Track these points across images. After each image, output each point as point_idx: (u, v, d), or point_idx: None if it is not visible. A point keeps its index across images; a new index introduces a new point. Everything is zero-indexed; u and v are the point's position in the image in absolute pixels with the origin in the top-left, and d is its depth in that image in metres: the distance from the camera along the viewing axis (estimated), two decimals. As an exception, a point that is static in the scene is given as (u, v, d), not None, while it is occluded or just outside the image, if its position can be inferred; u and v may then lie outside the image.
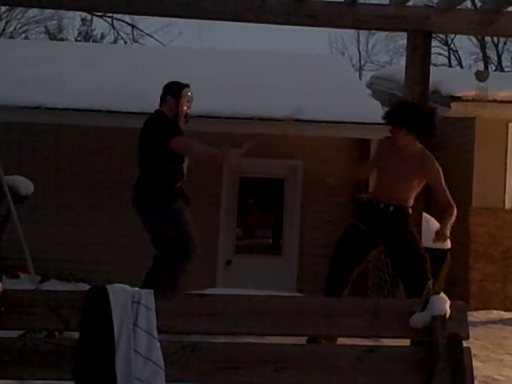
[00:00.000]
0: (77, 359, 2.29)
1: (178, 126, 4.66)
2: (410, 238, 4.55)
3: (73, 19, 23.52)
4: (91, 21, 23.26)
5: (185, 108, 4.70)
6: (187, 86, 4.77)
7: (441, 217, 4.58)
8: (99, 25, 24.15)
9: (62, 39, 22.30)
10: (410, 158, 4.54)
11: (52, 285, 6.96)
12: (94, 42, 22.31)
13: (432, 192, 4.73)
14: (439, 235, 4.39)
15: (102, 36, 23.40)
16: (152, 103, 7.42)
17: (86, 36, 23.61)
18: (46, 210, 7.62)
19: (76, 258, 7.58)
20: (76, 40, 22.87)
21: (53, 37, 22.60)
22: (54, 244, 7.54)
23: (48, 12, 21.15)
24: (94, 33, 23.91)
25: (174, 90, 4.71)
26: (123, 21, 21.18)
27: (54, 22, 23.18)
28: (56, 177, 7.71)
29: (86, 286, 6.53)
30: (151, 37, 21.42)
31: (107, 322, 2.30)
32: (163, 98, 4.76)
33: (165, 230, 4.53)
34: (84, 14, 21.83)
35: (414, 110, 4.60)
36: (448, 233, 4.42)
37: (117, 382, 2.26)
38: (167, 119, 4.64)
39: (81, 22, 23.73)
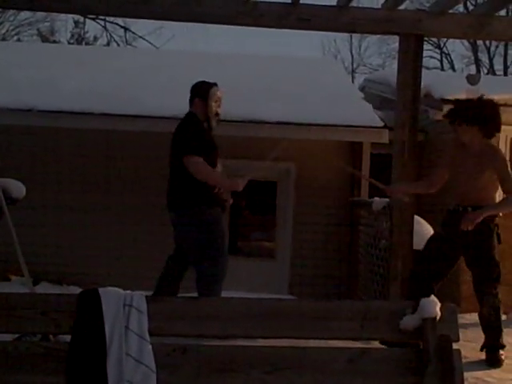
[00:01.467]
0: (68, 362, 2.29)
1: (208, 130, 4.64)
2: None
3: (65, 22, 23.45)
4: (84, 23, 23.25)
5: (214, 108, 4.64)
6: (215, 85, 4.71)
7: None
8: (92, 27, 24.11)
9: (54, 42, 22.26)
10: (478, 153, 4.51)
11: (43, 288, 6.94)
12: (86, 44, 22.26)
13: (500, 183, 4.65)
14: (469, 216, 4.38)
15: (95, 38, 23.39)
16: (145, 106, 7.42)
17: (79, 38, 23.56)
18: (37, 213, 7.60)
19: (68, 260, 7.57)
20: (69, 42, 22.83)
21: (45, 39, 22.56)
22: (46, 247, 7.52)
23: (40, 14, 21.14)
24: (87, 35, 23.89)
25: (201, 92, 4.65)
26: (116, 23, 21.21)
27: (46, 24, 23.16)
28: (49, 180, 7.70)
29: (77, 290, 6.50)
30: (144, 39, 21.44)
31: (99, 325, 2.30)
32: (191, 101, 4.70)
33: (196, 235, 4.47)
34: (77, 17, 21.83)
35: (474, 105, 4.57)
36: (480, 216, 4.40)
37: (108, 384, 2.26)
38: (198, 125, 4.59)
39: (73, 25, 23.72)
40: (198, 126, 4.59)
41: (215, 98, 4.66)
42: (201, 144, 4.50)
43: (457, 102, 4.79)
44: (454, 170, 4.65)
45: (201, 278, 4.48)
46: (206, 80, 4.75)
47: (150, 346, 2.34)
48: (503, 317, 6.39)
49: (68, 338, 2.41)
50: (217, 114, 4.69)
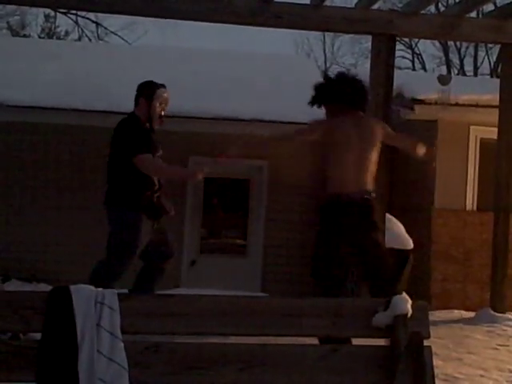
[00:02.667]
0: (39, 360, 2.26)
1: (150, 131, 4.61)
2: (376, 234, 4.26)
3: (36, 15, 23.12)
4: (55, 17, 22.95)
5: (158, 110, 4.59)
6: (162, 86, 4.64)
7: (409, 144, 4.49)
8: (63, 22, 23.79)
9: (24, 36, 21.94)
10: (363, 128, 4.27)
11: (13, 285, 6.86)
12: (57, 39, 21.98)
13: (395, 144, 4.55)
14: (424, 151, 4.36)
15: (67, 33, 23.09)
16: (116, 102, 7.36)
17: (50, 33, 23.26)
18: (7, 210, 7.49)
19: (38, 257, 7.48)
20: (39, 37, 22.51)
21: (15, 33, 22.22)
22: (16, 243, 7.42)
23: (10, 7, 20.78)
24: (58, 30, 23.59)
25: (146, 92, 4.60)
26: (88, 18, 20.96)
27: (16, 17, 22.80)
28: (18, 176, 7.60)
29: (47, 287, 6.44)
30: (116, 35, 21.25)
31: (70, 323, 2.27)
32: (136, 101, 4.67)
33: (112, 231, 4.57)
34: (47, 11, 21.53)
35: (330, 84, 4.40)
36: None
37: (79, 383, 2.23)
38: (140, 126, 4.57)
39: (44, 19, 23.40)
40: (139, 127, 4.57)
41: (161, 99, 4.60)
42: (146, 143, 4.50)
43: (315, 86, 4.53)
44: (335, 150, 4.27)
45: (95, 270, 4.58)
46: (154, 80, 4.70)
47: (122, 344, 2.33)
48: (472, 314, 6.50)
49: (38, 336, 2.38)
50: (160, 116, 4.64)
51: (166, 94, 4.65)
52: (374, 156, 4.26)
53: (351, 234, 4.16)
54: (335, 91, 4.33)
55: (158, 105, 4.58)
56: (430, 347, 2.51)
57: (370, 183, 4.20)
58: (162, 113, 4.64)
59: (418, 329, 2.46)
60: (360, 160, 4.17)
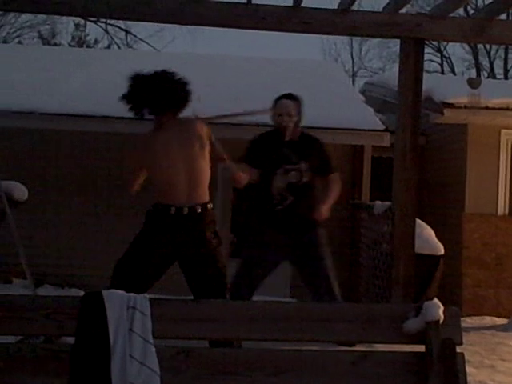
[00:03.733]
0: (72, 365, 2.29)
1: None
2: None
3: (66, 24, 23.51)
4: (85, 26, 23.29)
5: (278, 120, 4.74)
6: (283, 97, 4.72)
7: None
8: (93, 30, 24.15)
9: (55, 44, 22.29)
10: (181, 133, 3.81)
11: (45, 290, 6.95)
12: (87, 47, 22.30)
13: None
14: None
15: (96, 41, 23.43)
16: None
17: (80, 41, 23.60)
18: (40, 215, 7.60)
19: (70, 263, 7.57)
20: (69, 45, 22.85)
21: (46, 42, 22.59)
22: (48, 249, 7.52)
23: (41, 17, 21.14)
24: (88, 38, 23.93)
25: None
26: (117, 26, 21.24)
27: (47, 26, 23.19)
28: (54, 181, 7.71)
29: (79, 292, 6.52)
30: (145, 42, 21.48)
31: (103, 328, 2.30)
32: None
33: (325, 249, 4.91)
34: (78, 19, 21.87)
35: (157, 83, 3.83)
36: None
37: (112, 387, 2.26)
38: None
39: (74, 27, 23.75)
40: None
41: (278, 110, 4.69)
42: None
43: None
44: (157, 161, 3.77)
45: None
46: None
47: (154, 349, 2.35)
48: (504, 320, 6.40)
49: (71, 340, 2.41)
50: (283, 128, 4.70)
51: (283, 105, 4.67)
52: (203, 160, 3.82)
53: (176, 246, 3.73)
54: (136, 99, 3.86)
55: (276, 116, 4.67)
56: (462, 354, 2.48)
57: (202, 193, 3.83)
58: (283, 123, 4.64)
59: (450, 335, 2.44)
60: (187, 169, 3.75)
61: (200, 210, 3.75)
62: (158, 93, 3.82)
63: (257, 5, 5.15)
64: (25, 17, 21.78)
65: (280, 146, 4.63)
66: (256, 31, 5.54)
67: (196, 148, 3.79)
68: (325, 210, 4.63)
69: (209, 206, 3.85)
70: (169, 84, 3.90)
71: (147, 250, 3.77)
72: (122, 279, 3.77)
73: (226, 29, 5.52)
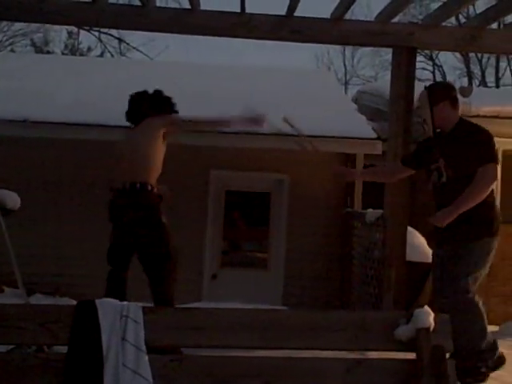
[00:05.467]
0: (65, 373, 2.29)
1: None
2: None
3: (59, 32, 23.48)
4: (78, 34, 23.27)
5: None
6: None
7: None
8: (86, 38, 24.16)
9: (48, 52, 22.27)
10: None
11: (36, 299, 6.91)
12: (80, 55, 22.29)
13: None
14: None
15: (89, 49, 23.41)
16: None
17: (73, 49, 23.58)
18: (31, 223, 7.58)
19: (61, 272, 7.54)
20: (62, 53, 22.84)
21: (39, 50, 22.57)
22: (39, 257, 7.50)
23: (34, 25, 21.12)
24: (81, 46, 23.92)
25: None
26: (110, 34, 21.22)
27: (40, 34, 23.17)
28: (44, 190, 7.69)
29: (70, 301, 6.50)
30: (138, 50, 21.47)
31: (96, 336, 2.31)
32: None
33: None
34: (71, 28, 21.85)
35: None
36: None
37: (104, 395, 2.26)
38: None
39: (67, 35, 23.74)
40: None
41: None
42: None
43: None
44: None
45: None
46: None
47: (147, 357, 2.35)
48: (496, 327, 6.41)
49: (62, 349, 2.41)
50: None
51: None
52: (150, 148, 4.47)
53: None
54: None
55: None
56: (452, 361, 2.50)
57: (142, 175, 4.40)
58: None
59: (440, 342, 2.46)
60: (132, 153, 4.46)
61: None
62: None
63: (250, 14, 5.18)
64: (18, 25, 21.77)
65: (432, 141, 4.19)
66: (249, 40, 5.58)
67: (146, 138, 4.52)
68: (441, 216, 3.88)
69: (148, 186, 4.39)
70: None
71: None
72: (111, 260, 4.53)
73: (220, 38, 5.55)
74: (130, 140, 4.58)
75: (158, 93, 4.83)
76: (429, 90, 4.23)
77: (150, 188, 4.38)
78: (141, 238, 4.33)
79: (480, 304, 3.93)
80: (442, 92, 4.21)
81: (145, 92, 4.84)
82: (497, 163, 3.86)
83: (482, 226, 3.92)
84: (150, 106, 4.73)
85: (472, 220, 3.84)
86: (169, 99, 4.81)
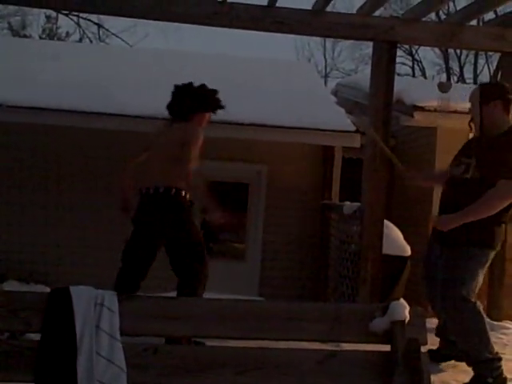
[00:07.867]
0: (38, 361, 2.27)
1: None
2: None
3: (37, 16, 23.15)
4: (56, 18, 22.98)
5: None
6: None
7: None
8: (64, 23, 23.85)
9: (25, 36, 21.96)
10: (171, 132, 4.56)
11: (10, 286, 6.85)
12: (58, 40, 22.01)
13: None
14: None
15: (68, 34, 23.13)
16: (116, 104, 7.34)
17: (51, 34, 23.28)
18: (6, 210, 7.49)
19: (36, 258, 7.47)
20: (40, 37, 22.53)
21: (16, 33, 22.24)
22: (14, 244, 7.42)
23: (12, 7, 20.81)
24: (59, 31, 23.61)
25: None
26: (89, 20, 21.02)
27: (17, 18, 22.83)
28: (18, 177, 7.59)
29: (45, 288, 6.44)
30: (117, 37, 21.31)
31: (69, 324, 2.28)
32: None
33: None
34: (49, 12, 21.56)
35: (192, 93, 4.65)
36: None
37: (77, 384, 2.24)
38: None
39: (45, 19, 23.42)
40: None
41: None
42: None
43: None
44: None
45: None
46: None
47: (121, 346, 2.34)
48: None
49: (35, 336, 2.39)
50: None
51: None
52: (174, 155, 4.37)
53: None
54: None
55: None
56: (426, 353, 2.52)
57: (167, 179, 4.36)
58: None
59: (415, 335, 2.48)
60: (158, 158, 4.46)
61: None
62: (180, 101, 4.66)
63: (231, 3, 5.15)
64: (-6, 7, 21.41)
65: (475, 139, 4.23)
66: (230, 29, 5.54)
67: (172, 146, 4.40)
68: (445, 220, 3.88)
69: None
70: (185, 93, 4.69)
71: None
72: (127, 261, 4.46)
73: (200, 26, 5.52)
74: (163, 143, 4.50)
75: (202, 87, 4.69)
76: (481, 87, 4.14)
77: (183, 194, 4.40)
78: (170, 241, 4.44)
79: (481, 309, 3.93)
80: (494, 91, 4.08)
81: (190, 85, 4.70)
82: None
83: (487, 237, 3.90)
84: (193, 102, 4.59)
85: (478, 227, 3.81)
86: (214, 94, 4.67)
